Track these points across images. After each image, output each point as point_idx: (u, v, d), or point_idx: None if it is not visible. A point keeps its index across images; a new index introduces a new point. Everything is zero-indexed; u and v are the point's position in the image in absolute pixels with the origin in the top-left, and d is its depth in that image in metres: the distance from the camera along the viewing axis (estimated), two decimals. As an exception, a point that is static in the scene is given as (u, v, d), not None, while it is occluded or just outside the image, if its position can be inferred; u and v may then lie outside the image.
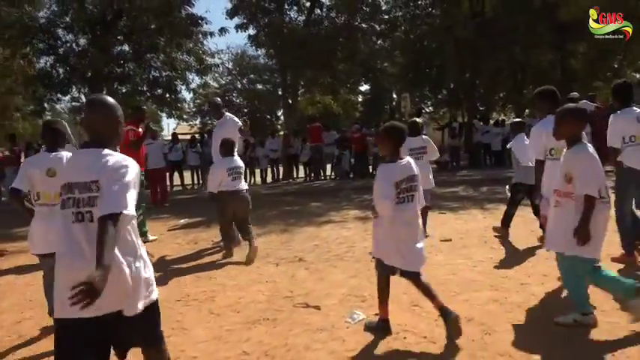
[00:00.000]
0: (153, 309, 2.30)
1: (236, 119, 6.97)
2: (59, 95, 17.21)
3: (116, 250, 2.06)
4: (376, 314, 3.72)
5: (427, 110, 26.52)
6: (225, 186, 6.04)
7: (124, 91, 17.04)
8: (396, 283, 4.56)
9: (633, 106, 4.76)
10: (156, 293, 2.34)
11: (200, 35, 17.32)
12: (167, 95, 17.32)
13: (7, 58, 16.92)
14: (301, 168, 17.93)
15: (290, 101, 19.41)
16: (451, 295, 4.20)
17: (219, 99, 7.77)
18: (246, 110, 38.70)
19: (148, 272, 2.29)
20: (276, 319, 3.88)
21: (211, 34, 17.38)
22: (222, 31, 17.93)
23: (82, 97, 17.50)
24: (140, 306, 2.19)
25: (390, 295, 4.25)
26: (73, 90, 17.14)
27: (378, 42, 20.35)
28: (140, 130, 7.37)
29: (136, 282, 2.19)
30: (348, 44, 18.34)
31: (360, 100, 36.09)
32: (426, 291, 3.46)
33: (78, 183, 2.16)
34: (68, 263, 2.14)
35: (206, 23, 16.97)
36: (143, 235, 7.03)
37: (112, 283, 2.00)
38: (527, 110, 22.45)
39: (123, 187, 2.10)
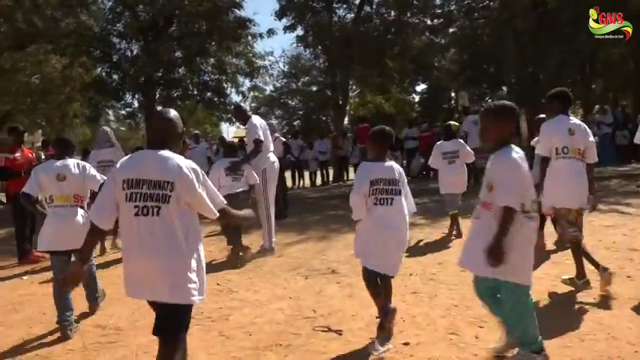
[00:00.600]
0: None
1: (256, 127, 6.15)
2: (113, 101, 17.58)
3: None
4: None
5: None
6: (226, 189, 5.73)
7: (175, 95, 17.19)
8: (435, 305, 3.99)
9: None
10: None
11: (249, 37, 17.20)
12: (216, 99, 17.32)
13: (66, 66, 17.54)
14: (352, 170, 17.40)
15: (340, 102, 18.94)
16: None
17: (240, 103, 7.36)
18: (301, 112, 38.67)
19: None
20: (290, 344, 3.40)
21: (260, 35, 17.22)
22: (270, 32, 17.63)
23: (135, 102, 17.85)
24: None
25: (426, 318, 3.73)
26: (127, 96, 17.48)
27: (431, 37, 19.49)
28: (17, 155, 6.76)
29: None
30: (397, 41, 17.62)
31: (417, 99, 35.07)
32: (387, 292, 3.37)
33: (148, 180, 2.32)
34: (133, 254, 2.36)
35: (254, 25, 16.83)
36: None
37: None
38: (596, 106, 20.80)
39: (210, 189, 2.49)
